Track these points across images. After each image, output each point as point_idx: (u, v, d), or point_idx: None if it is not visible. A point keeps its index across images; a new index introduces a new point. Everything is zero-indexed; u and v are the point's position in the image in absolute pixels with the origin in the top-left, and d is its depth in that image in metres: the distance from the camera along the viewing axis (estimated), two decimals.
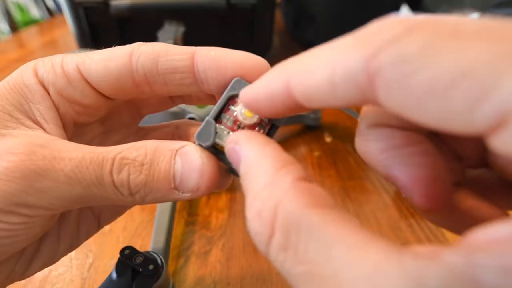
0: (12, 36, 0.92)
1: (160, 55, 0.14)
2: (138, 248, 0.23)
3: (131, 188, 0.13)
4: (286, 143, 0.48)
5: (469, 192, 0.12)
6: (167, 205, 0.32)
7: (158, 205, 0.32)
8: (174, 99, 0.18)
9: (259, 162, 0.11)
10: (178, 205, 0.37)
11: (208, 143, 0.13)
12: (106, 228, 0.34)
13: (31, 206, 0.12)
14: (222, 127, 0.14)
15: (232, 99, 0.14)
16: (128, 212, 0.36)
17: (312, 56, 0.10)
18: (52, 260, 0.16)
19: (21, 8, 1.64)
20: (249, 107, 0.12)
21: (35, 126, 0.14)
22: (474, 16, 0.77)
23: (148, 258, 0.22)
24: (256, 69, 0.14)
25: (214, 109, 0.14)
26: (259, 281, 0.29)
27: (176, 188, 0.13)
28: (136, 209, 0.36)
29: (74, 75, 0.14)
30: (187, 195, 0.13)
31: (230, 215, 0.36)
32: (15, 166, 0.12)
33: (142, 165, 0.13)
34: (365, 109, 0.12)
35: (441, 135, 0.12)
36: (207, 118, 0.13)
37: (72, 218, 0.17)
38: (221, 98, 0.14)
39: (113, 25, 0.58)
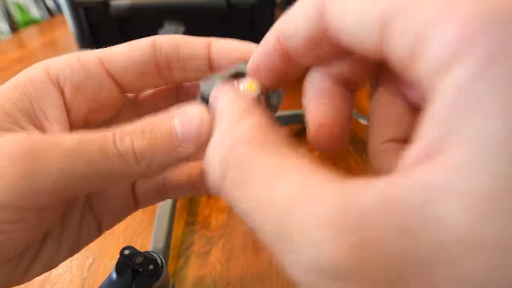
0: (12, 36, 0.92)
1: (181, 44, 0.15)
2: (138, 248, 0.23)
3: (137, 154, 0.13)
4: None
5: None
6: (167, 205, 0.32)
7: (158, 205, 0.32)
8: (181, 102, 0.19)
9: (226, 109, 0.12)
10: (178, 205, 0.37)
11: (213, 87, 0.14)
12: None
13: (31, 195, 0.12)
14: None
15: (237, 77, 0.15)
16: None
17: (291, 10, 0.12)
18: (52, 264, 0.16)
19: (21, 8, 1.64)
20: (254, 68, 0.14)
21: (31, 127, 0.14)
22: None
23: (148, 258, 0.22)
24: None
25: (224, 71, 0.15)
26: (259, 281, 0.29)
27: (180, 145, 0.13)
28: None
29: (94, 67, 0.15)
30: (191, 149, 0.13)
31: (230, 215, 0.36)
32: (15, 150, 0.12)
33: (143, 132, 0.13)
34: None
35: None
36: (217, 73, 0.14)
37: (74, 221, 0.17)
38: (230, 68, 0.15)
39: (113, 25, 0.58)
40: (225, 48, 0.15)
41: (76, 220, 0.17)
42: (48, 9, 1.33)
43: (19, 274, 0.15)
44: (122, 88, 0.16)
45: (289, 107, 0.55)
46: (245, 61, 0.15)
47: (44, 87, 0.14)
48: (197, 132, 0.13)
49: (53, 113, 0.15)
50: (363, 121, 0.44)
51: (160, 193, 0.19)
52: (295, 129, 0.51)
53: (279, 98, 0.15)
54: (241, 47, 0.15)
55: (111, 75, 0.15)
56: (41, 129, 0.15)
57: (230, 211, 0.36)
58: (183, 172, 0.18)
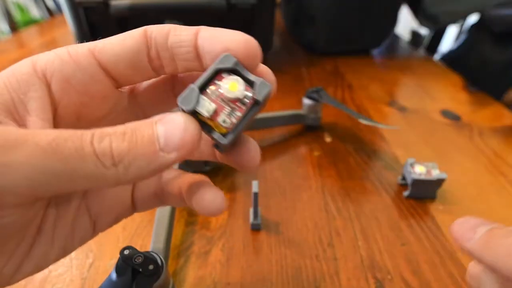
0: (12, 36, 0.92)
1: (170, 31, 0.15)
2: (138, 248, 0.23)
3: (114, 156, 0.12)
4: (286, 143, 0.48)
5: None
6: (167, 205, 0.32)
7: None
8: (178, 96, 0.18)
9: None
10: None
11: (189, 107, 0.13)
12: None
13: None
14: (205, 98, 0.14)
15: (219, 74, 0.14)
16: None
17: None
18: (44, 264, 0.15)
19: (21, 8, 1.64)
20: None
21: (8, 121, 0.13)
22: (473, 17, 0.77)
23: (148, 258, 0.22)
24: (244, 45, 0.14)
25: (199, 78, 0.14)
26: (259, 281, 0.29)
27: (161, 149, 0.13)
28: None
29: (85, 59, 0.15)
30: (172, 156, 0.13)
31: (230, 215, 0.36)
32: None
33: (124, 134, 0.13)
34: None
35: None
36: (191, 85, 0.14)
37: (68, 219, 0.16)
38: (208, 69, 0.14)
39: (113, 25, 0.58)
40: (210, 35, 0.15)
41: (70, 218, 0.16)
42: (48, 9, 1.33)
43: (9, 273, 0.14)
44: (114, 80, 0.16)
45: (289, 107, 0.55)
46: (229, 53, 0.14)
47: (27, 79, 0.14)
48: (180, 139, 0.13)
49: (34, 105, 0.14)
50: (363, 121, 0.44)
51: (158, 199, 0.18)
52: (295, 129, 0.51)
53: (265, 91, 0.14)
54: (222, 33, 0.15)
55: (102, 66, 0.15)
56: (21, 123, 0.14)
57: (230, 211, 0.36)
58: (177, 182, 0.18)
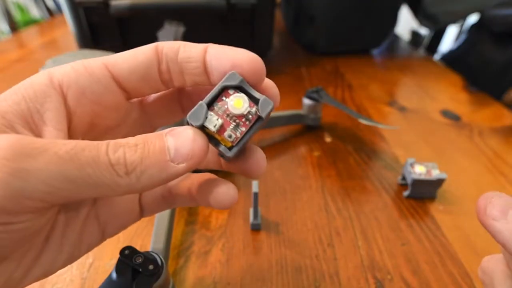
0: (12, 36, 0.92)
1: (180, 47, 0.16)
2: (138, 248, 0.23)
3: (127, 165, 0.13)
4: (286, 143, 0.48)
5: None
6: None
7: None
8: (184, 108, 0.19)
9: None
10: None
11: (198, 124, 0.14)
12: None
13: (19, 196, 0.11)
14: (213, 114, 0.15)
15: (226, 91, 0.15)
16: None
17: None
18: (51, 269, 0.16)
19: (21, 8, 1.64)
20: None
21: (25, 131, 0.14)
22: (472, 17, 0.77)
23: (148, 258, 0.22)
24: (249, 63, 0.15)
25: (207, 95, 0.15)
26: (259, 281, 0.29)
27: (171, 160, 0.14)
28: None
29: (100, 72, 0.16)
30: (182, 165, 0.14)
31: (230, 215, 0.36)
32: (5, 147, 0.11)
33: (136, 145, 0.14)
34: None
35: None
36: (200, 102, 0.15)
37: (77, 227, 0.17)
38: (215, 86, 0.15)
39: (113, 25, 0.58)
40: (217, 52, 0.16)
41: (79, 225, 0.17)
42: (48, 9, 1.33)
43: (18, 277, 0.14)
44: (126, 92, 0.17)
45: (289, 107, 0.55)
46: (236, 70, 0.15)
47: (44, 90, 0.15)
48: (189, 150, 0.14)
49: (50, 115, 0.15)
50: (363, 121, 0.44)
51: (165, 202, 0.19)
52: (295, 129, 0.51)
53: (268, 108, 0.15)
54: (229, 50, 0.16)
55: (115, 79, 0.16)
56: (37, 133, 0.14)
57: (230, 211, 0.36)
58: (184, 183, 0.18)
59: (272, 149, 0.46)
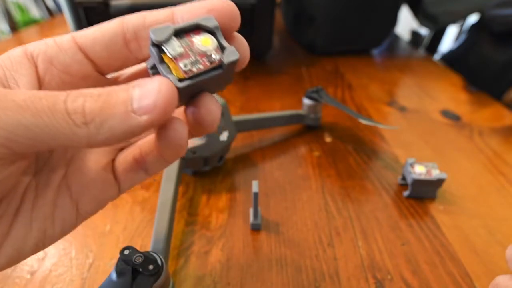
0: (12, 36, 0.92)
1: (147, 14, 0.16)
2: (138, 248, 0.23)
3: (86, 114, 0.13)
4: (286, 143, 0.48)
5: None
6: (167, 205, 0.32)
7: (158, 205, 0.32)
8: None
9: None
10: (178, 205, 0.37)
11: (159, 39, 0.14)
12: (106, 228, 0.34)
13: None
14: (177, 41, 0.15)
15: (197, 30, 0.15)
16: (128, 212, 0.36)
17: None
18: (22, 249, 0.16)
19: (21, 8, 1.64)
20: None
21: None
22: (473, 17, 0.77)
23: (148, 258, 0.22)
24: (225, 7, 0.15)
25: (179, 24, 0.15)
26: (259, 281, 0.29)
27: (133, 111, 0.13)
28: (136, 209, 0.36)
29: (67, 43, 0.16)
30: (145, 117, 0.13)
31: (230, 215, 0.36)
32: None
33: (99, 95, 0.13)
34: None
35: None
36: (169, 23, 0.15)
37: (47, 197, 0.16)
38: (189, 21, 0.15)
39: None
40: (186, 6, 0.16)
41: (50, 197, 0.17)
42: (48, 9, 1.33)
43: None
44: (94, 63, 0.17)
45: (289, 107, 0.55)
46: (212, 16, 0.15)
47: (18, 60, 0.16)
48: (152, 103, 0.13)
49: (24, 80, 0.16)
50: (363, 121, 0.44)
51: (140, 168, 0.18)
52: (295, 129, 0.51)
53: (233, 57, 0.15)
54: (202, 4, 0.15)
55: (82, 49, 0.17)
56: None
57: (230, 211, 0.36)
58: (153, 141, 0.18)
59: (272, 149, 0.46)
